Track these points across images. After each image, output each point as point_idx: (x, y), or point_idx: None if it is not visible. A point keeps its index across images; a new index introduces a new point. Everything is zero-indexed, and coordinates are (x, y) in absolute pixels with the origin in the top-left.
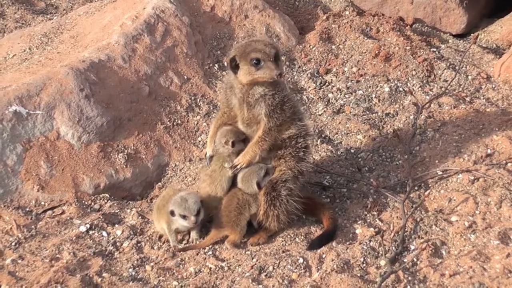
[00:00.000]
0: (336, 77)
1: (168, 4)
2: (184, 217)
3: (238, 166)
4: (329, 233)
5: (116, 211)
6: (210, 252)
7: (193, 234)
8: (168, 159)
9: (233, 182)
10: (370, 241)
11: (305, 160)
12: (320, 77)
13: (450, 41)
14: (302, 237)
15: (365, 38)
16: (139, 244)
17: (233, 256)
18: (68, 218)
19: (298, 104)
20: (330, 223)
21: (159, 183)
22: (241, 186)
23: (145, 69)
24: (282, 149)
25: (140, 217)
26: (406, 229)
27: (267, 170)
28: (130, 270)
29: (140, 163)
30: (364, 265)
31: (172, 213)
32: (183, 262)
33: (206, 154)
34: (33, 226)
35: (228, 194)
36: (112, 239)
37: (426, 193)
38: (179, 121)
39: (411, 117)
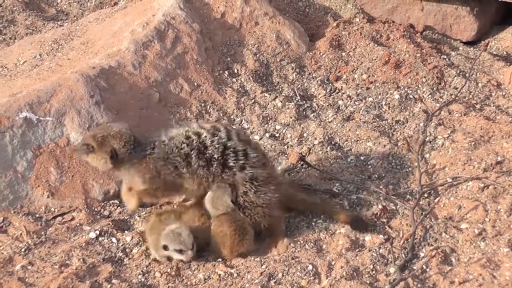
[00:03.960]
0: (346, 84)
1: (178, 11)
2: (180, 251)
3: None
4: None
5: (126, 218)
6: (219, 259)
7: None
8: None
9: None
10: (379, 248)
11: (243, 171)
12: (330, 84)
13: (460, 48)
14: (312, 244)
15: (375, 45)
16: (148, 251)
17: (242, 263)
18: (78, 224)
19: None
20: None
21: None
22: (213, 212)
23: (155, 75)
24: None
25: None
26: (415, 236)
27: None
28: (140, 276)
29: None
30: (374, 272)
31: (165, 247)
32: (192, 268)
33: None
34: (42, 232)
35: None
36: (122, 245)
37: (436, 200)
38: None
39: (421, 124)
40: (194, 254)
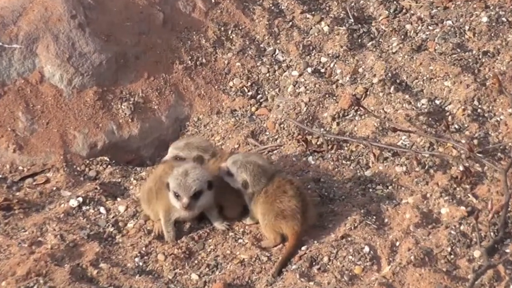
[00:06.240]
0: (416, 2)
1: None
2: (176, 196)
3: None
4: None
5: (118, 180)
6: (244, 239)
7: (217, 224)
8: (188, 110)
9: None
10: (460, 224)
11: None
12: (395, 2)
13: None
14: (369, 218)
15: None
16: (148, 225)
17: None
18: (54, 188)
19: None
20: None
21: None
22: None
23: None
24: None
25: None
26: (509, 209)
27: None
28: (137, 259)
29: (151, 116)
30: (452, 256)
31: (167, 185)
32: (207, 249)
33: None
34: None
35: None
36: (113, 217)
37: None
38: (204, 60)
39: None
40: (192, 206)
